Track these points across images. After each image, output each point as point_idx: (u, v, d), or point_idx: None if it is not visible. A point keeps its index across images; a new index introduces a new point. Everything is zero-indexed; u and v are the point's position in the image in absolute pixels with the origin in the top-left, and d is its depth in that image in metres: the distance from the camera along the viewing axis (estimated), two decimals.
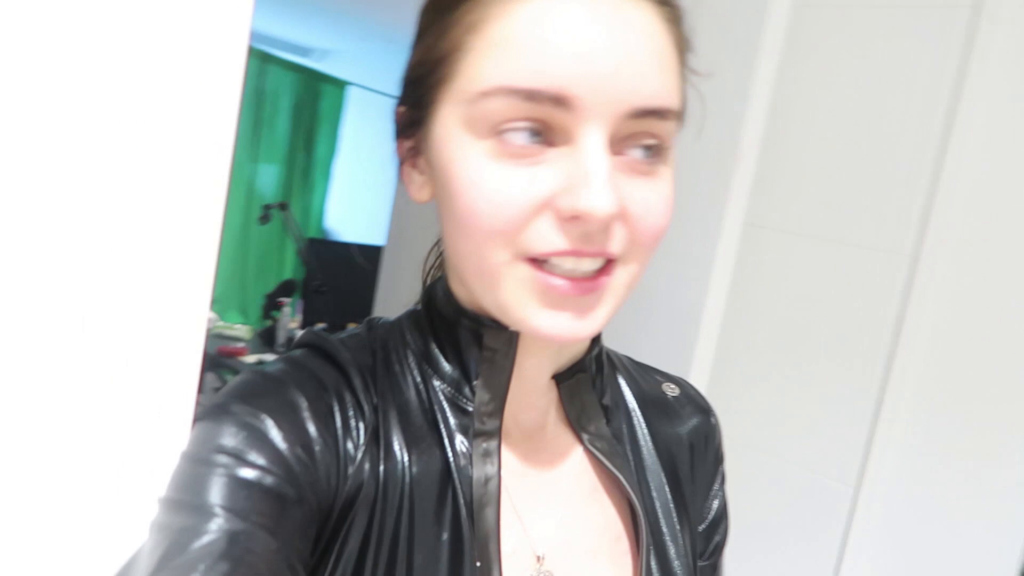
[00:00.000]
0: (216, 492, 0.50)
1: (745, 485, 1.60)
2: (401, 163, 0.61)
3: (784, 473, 1.62)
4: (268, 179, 5.99)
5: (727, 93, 1.53)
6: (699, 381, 1.62)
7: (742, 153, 1.53)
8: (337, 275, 4.32)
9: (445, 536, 0.56)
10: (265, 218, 4.35)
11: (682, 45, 0.55)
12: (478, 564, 0.56)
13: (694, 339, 1.54)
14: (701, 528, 0.72)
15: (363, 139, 6.33)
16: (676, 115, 0.53)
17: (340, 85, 6.31)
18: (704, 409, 0.76)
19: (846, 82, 1.56)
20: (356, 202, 6.47)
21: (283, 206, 4.38)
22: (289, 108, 6.04)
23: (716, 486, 0.74)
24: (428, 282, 0.68)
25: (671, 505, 0.67)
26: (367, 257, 4.19)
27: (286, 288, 4.44)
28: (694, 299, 1.55)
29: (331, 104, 6.33)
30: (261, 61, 5.83)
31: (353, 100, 6.34)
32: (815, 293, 1.60)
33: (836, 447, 1.57)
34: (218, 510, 0.49)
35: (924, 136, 1.47)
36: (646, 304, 1.59)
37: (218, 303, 5.57)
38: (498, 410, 0.60)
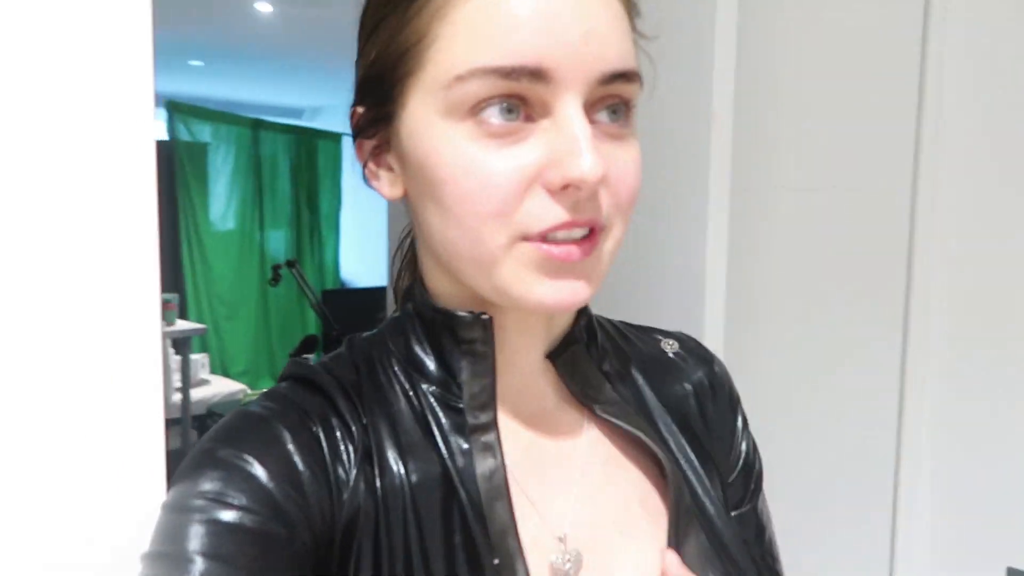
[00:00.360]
0: (196, 539, 0.48)
1: (782, 447, 1.53)
2: (364, 164, 0.60)
3: (822, 429, 1.54)
4: (278, 243, 6.04)
5: (692, 52, 1.48)
6: (714, 346, 1.56)
7: (716, 111, 1.48)
8: (356, 322, 4.30)
9: (457, 540, 0.55)
10: (275, 279, 4.36)
11: (631, 10, 0.56)
12: (496, 561, 0.54)
13: (701, 306, 1.48)
14: (732, 477, 0.70)
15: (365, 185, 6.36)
16: (639, 76, 0.54)
17: (335, 138, 6.36)
18: (706, 359, 0.74)
19: (813, 19, 1.50)
20: (367, 247, 6.49)
21: (291, 264, 4.39)
22: (288, 170, 6.09)
23: (739, 431, 0.72)
24: (402, 287, 0.67)
25: (694, 460, 0.66)
26: (378, 298, 4.18)
27: (308, 344, 4.44)
28: (695, 266, 1.48)
29: (329, 158, 6.38)
30: (253, 129, 5.90)
31: (350, 150, 6.38)
32: (819, 241, 1.53)
33: (870, 391, 1.50)
34: (199, 559, 0.48)
35: (904, 63, 1.41)
36: (647, 278, 1.53)
37: (247, 375, 5.59)
38: (490, 401, 0.59)
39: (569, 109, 0.51)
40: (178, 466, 0.55)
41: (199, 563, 0.48)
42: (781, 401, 1.55)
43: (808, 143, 1.52)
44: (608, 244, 0.56)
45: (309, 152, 6.24)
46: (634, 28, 0.56)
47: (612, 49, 0.52)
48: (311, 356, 4.26)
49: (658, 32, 0.61)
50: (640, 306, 1.52)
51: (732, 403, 0.73)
